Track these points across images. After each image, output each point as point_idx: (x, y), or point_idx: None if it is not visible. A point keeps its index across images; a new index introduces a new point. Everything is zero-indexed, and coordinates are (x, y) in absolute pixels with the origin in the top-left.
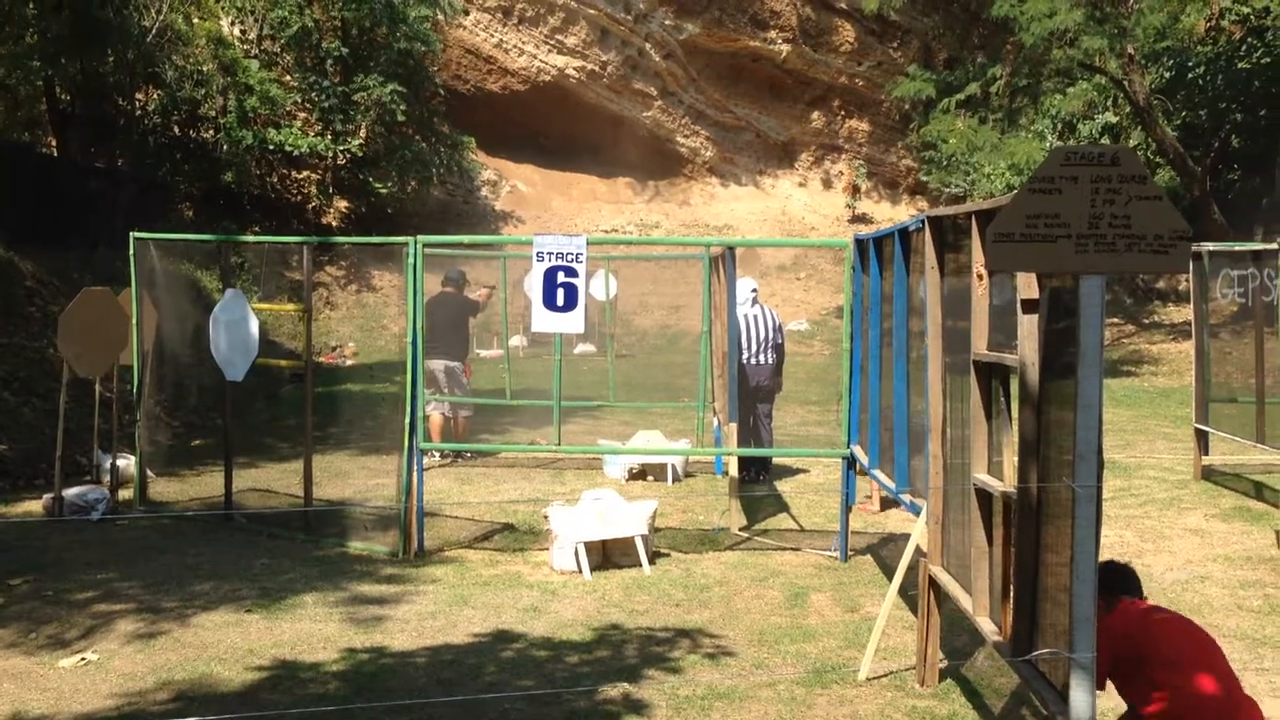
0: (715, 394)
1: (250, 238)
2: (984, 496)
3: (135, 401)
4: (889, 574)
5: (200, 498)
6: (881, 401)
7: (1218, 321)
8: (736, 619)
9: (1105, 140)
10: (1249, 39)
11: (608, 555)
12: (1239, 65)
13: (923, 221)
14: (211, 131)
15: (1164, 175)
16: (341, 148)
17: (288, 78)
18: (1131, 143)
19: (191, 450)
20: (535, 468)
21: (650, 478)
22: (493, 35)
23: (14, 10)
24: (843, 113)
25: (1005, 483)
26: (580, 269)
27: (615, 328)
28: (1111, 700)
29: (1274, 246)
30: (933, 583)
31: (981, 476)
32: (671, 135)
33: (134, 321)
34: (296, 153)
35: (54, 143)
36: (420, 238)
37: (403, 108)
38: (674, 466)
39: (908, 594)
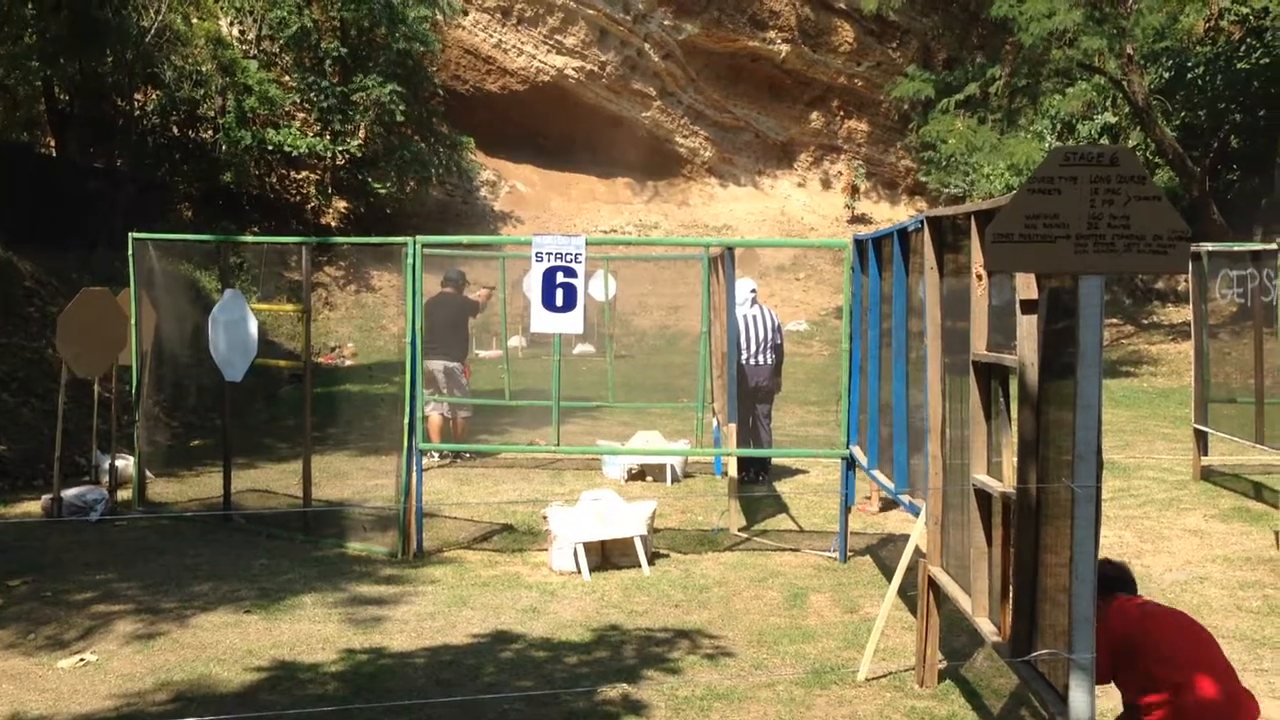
0: (714, 394)
1: (249, 238)
2: (983, 497)
3: (134, 402)
4: (888, 575)
5: (199, 498)
6: (880, 402)
7: (1217, 322)
8: (735, 620)
9: (1104, 140)
10: (1248, 39)
11: (607, 556)
12: (1238, 66)
13: (922, 222)
14: (210, 132)
15: (1163, 175)
16: (340, 148)
17: (287, 78)
18: (1130, 143)
19: (190, 451)
20: (534, 468)
21: (649, 478)
22: (492, 35)
23: (13, 10)
24: (842, 113)
25: (1004, 483)
26: (579, 269)
27: (614, 328)
28: (1111, 700)
29: (1273, 247)
30: (932, 583)
31: (981, 477)
32: (670, 135)
33: (133, 322)
34: (295, 153)
35: (53, 143)
36: (419, 238)
37: (402, 108)
38: (673, 467)
39: (907, 595)
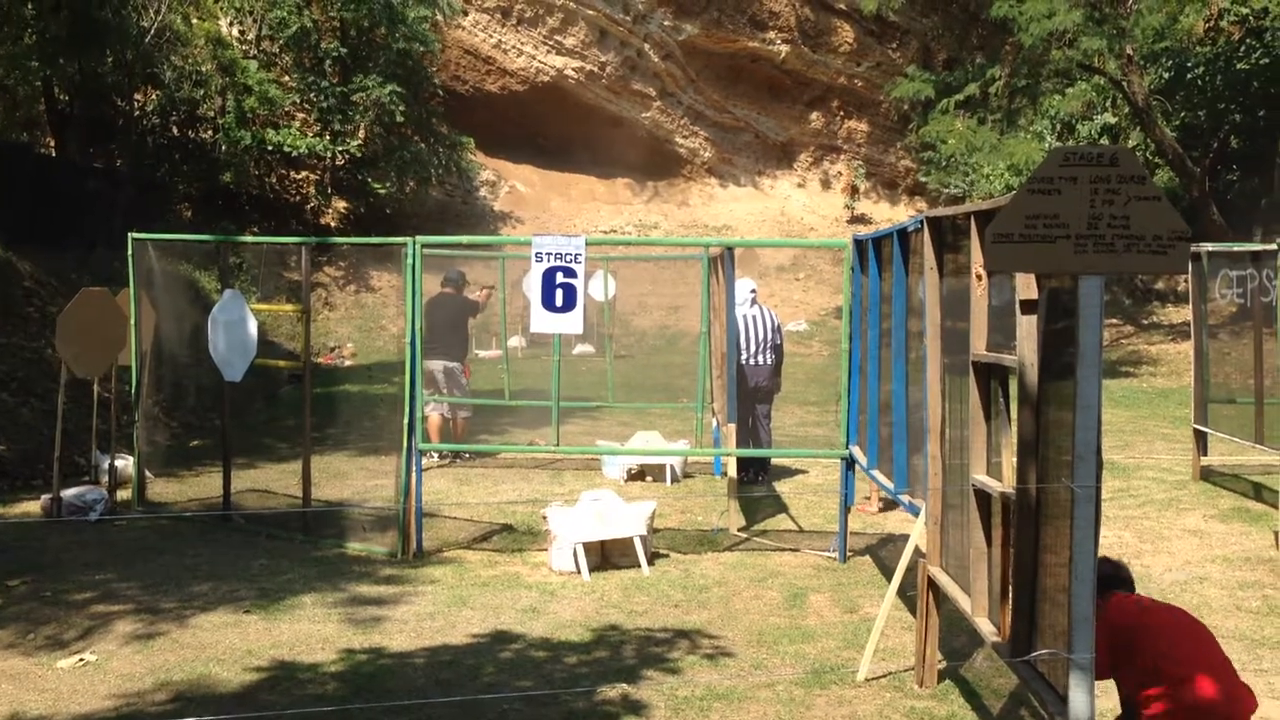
0: (714, 395)
1: (249, 238)
2: (983, 497)
3: (133, 402)
4: (888, 575)
5: (198, 498)
6: (880, 402)
7: (1216, 322)
8: (735, 620)
9: (1104, 141)
10: (1248, 40)
11: (606, 556)
12: (1238, 66)
13: (921, 222)
14: (210, 132)
15: (1163, 176)
16: (340, 148)
17: (286, 78)
18: (1130, 143)
19: (190, 451)
20: (534, 468)
21: (649, 478)
22: (491, 36)
23: (12, 10)
24: (841, 113)
25: (1004, 483)
26: (579, 269)
27: (614, 328)
28: (1110, 700)
29: (1273, 247)
30: (931, 583)
31: (980, 477)
32: (670, 136)
33: (132, 322)
34: (295, 153)
35: (52, 143)
36: (419, 238)
37: (401, 108)
38: (673, 467)
39: (907, 595)
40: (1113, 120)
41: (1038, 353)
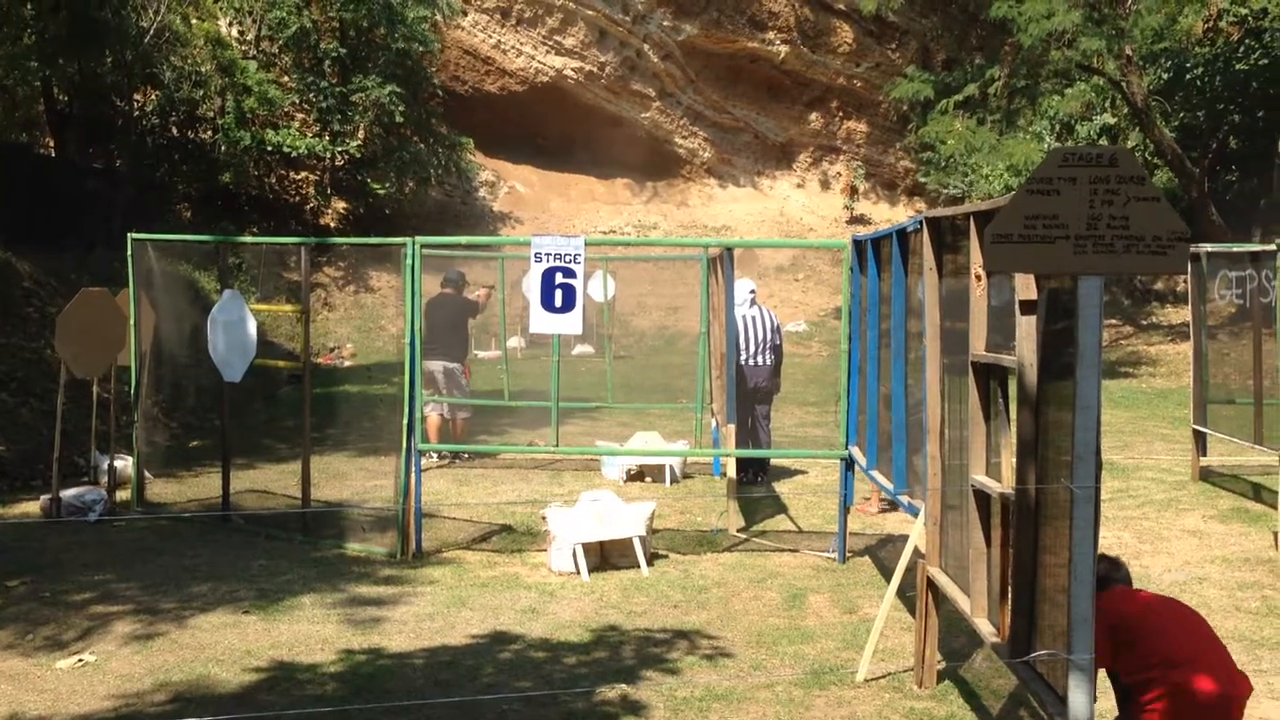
0: (713, 395)
1: (248, 238)
2: (982, 498)
3: (133, 402)
4: (887, 575)
5: (198, 499)
6: (879, 403)
7: (1215, 323)
8: (734, 620)
9: (1103, 141)
10: (1247, 40)
11: (606, 556)
12: (1237, 66)
13: (921, 222)
14: (209, 132)
15: (1162, 176)
16: (339, 149)
17: (286, 79)
18: (1129, 144)
19: (189, 451)
20: (533, 469)
21: (648, 479)
22: (491, 36)
23: (12, 11)
24: (841, 114)
25: (1003, 484)
26: (578, 270)
27: (613, 329)
28: (1109, 701)
29: (1272, 248)
30: (931, 584)
31: (980, 478)
32: (670, 136)
33: (132, 322)
34: (294, 154)
35: (51, 143)
36: (418, 239)
37: (401, 109)
38: (672, 468)
39: (906, 595)
40: (1112, 121)
41: (1037, 353)
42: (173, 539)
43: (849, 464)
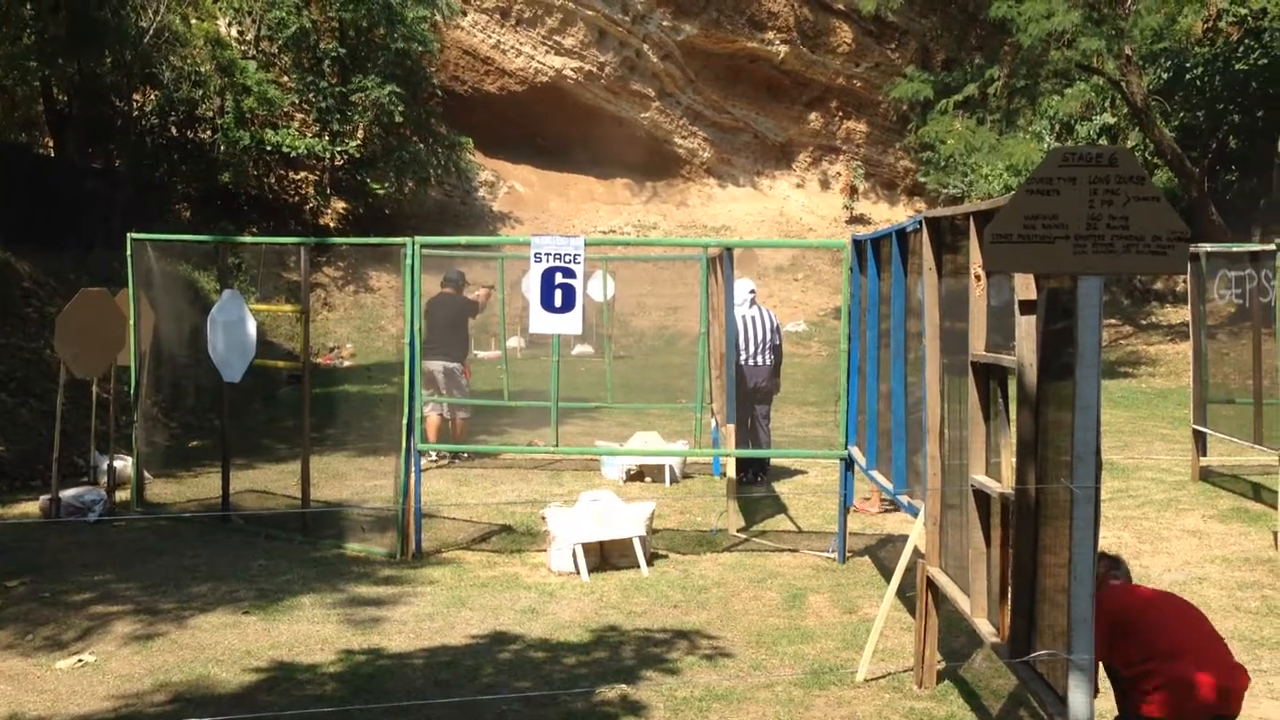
0: (713, 395)
1: (248, 238)
2: (982, 498)
3: (132, 403)
4: (887, 575)
5: (197, 499)
6: (879, 403)
7: (1215, 323)
8: (734, 620)
9: (1103, 141)
10: (1246, 40)
11: (605, 556)
12: (1236, 66)
13: (920, 222)
14: (209, 132)
15: (1162, 176)
16: (339, 149)
17: (285, 78)
18: (1129, 144)
19: (189, 451)
20: (533, 469)
21: (648, 479)
22: (490, 36)
23: (11, 11)
24: (840, 114)
25: (1003, 484)
26: (578, 270)
27: (613, 329)
28: (1109, 701)
29: (1271, 248)
30: (931, 584)
31: (979, 478)
32: (669, 136)
33: (131, 322)
34: (294, 153)
35: (51, 143)
36: (418, 239)
37: (400, 108)
38: (672, 468)
39: (906, 595)
40: (1111, 121)
41: (1037, 353)
42: (172, 539)
43: (849, 464)
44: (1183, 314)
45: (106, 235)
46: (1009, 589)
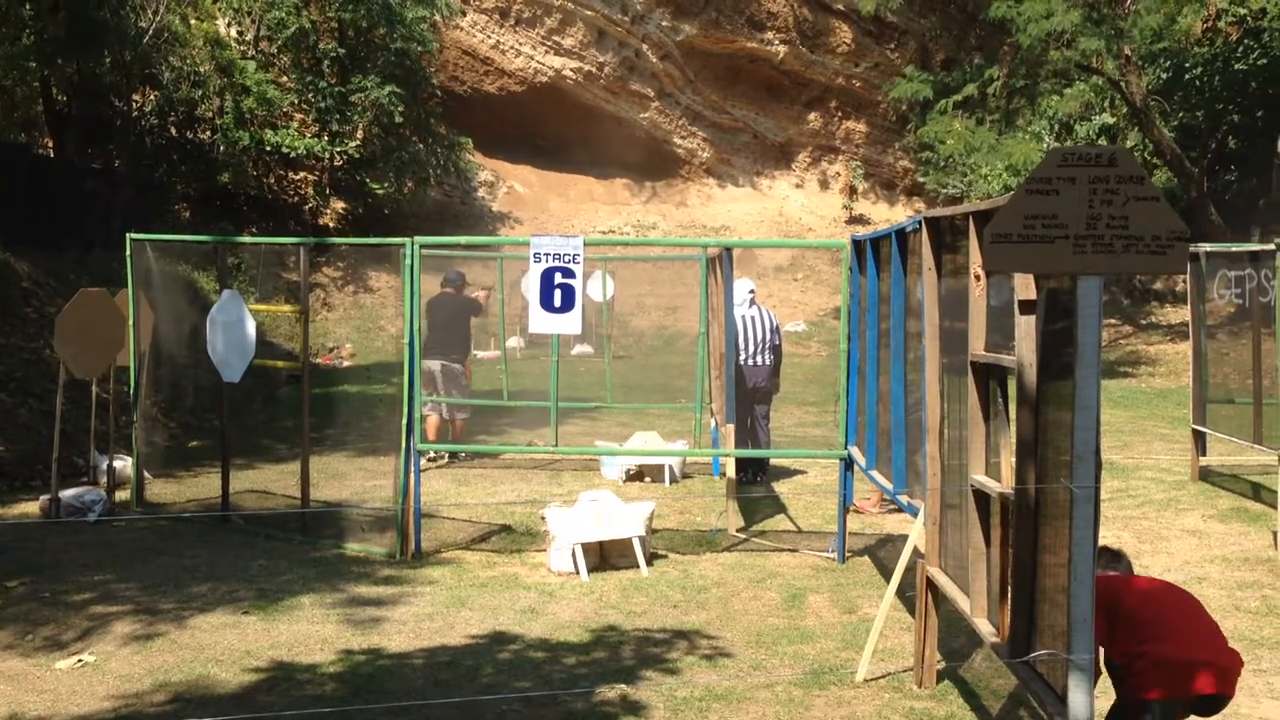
0: (713, 395)
1: (247, 239)
2: (982, 498)
3: (132, 403)
4: (887, 575)
5: (197, 499)
6: (878, 403)
7: (1215, 322)
8: (734, 620)
9: (1102, 141)
10: (1246, 40)
11: (605, 556)
12: (1236, 66)
13: (920, 222)
14: (208, 132)
15: (1161, 176)
16: (338, 149)
17: (285, 79)
18: (1129, 144)
19: (188, 451)
20: (532, 469)
21: (648, 479)
22: (490, 36)
23: (10, 11)
24: (840, 114)
25: (1003, 484)
26: (577, 270)
27: (612, 329)
28: (1109, 700)
29: (1271, 247)
30: (930, 584)
31: (979, 477)
32: (669, 136)
33: (131, 322)
34: (293, 154)
35: (50, 143)
36: (417, 239)
37: (400, 109)
38: (671, 468)
39: (905, 595)
40: (1111, 121)
41: (1036, 353)
42: (172, 539)
43: (848, 464)
44: (1182, 314)
45: (106, 235)
46: (1009, 589)
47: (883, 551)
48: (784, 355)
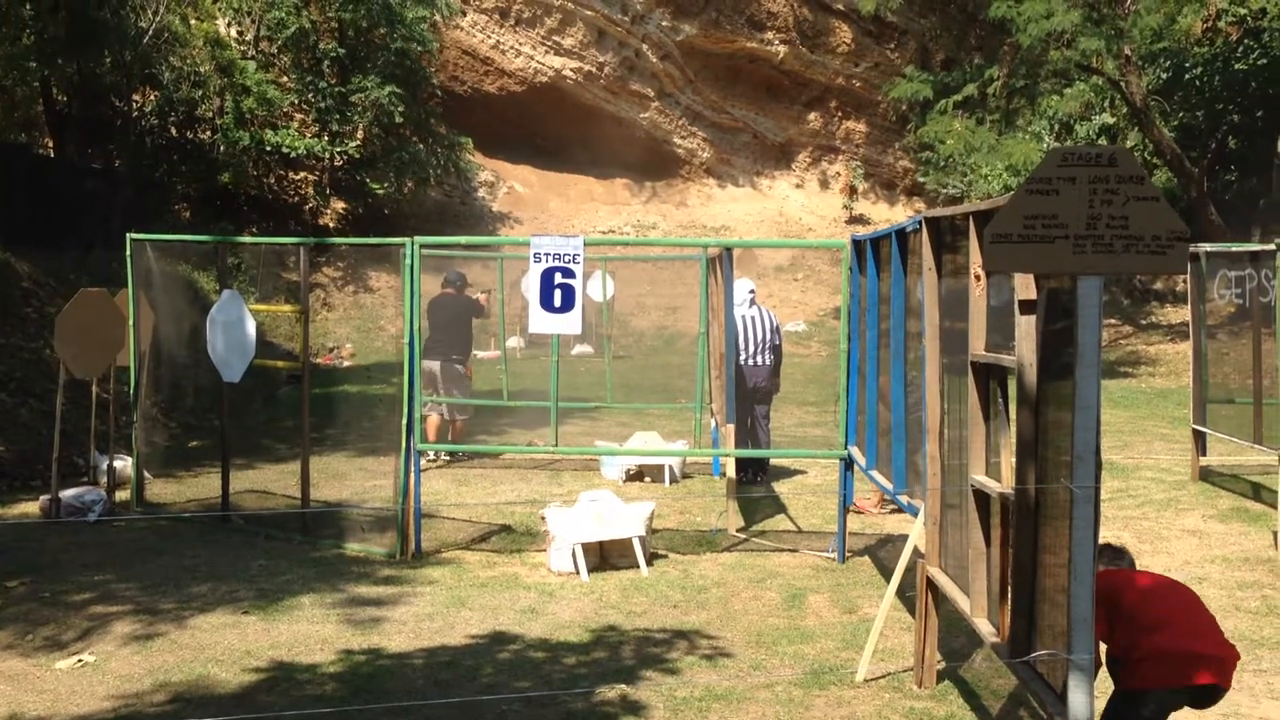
0: (713, 395)
1: (247, 239)
2: (982, 498)
3: (132, 403)
4: (887, 575)
5: (197, 499)
6: (878, 403)
7: (1215, 322)
8: (734, 620)
9: (1102, 141)
10: (1246, 40)
11: (605, 556)
12: (1236, 66)
13: (920, 222)
14: (208, 132)
15: (1161, 176)
16: (338, 149)
17: (285, 79)
18: (1129, 144)
19: (188, 451)
20: (532, 469)
21: (648, 479)
22: (490, 36)
23: (11, 11)
24: (840, 114)
25: (1003, 484)
26: (577, 270)
27: (612, 329)
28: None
29: (1271, 247)
30: (930, 584)
31: (979, 477)
32: (669, 136)
33: (131, 322)
34: (293, 154)
35: (50, 144)
36: (417, 239)
37: (400, 109)
38: (671, 468)
39: (906, 595)
40: (1111, 121)
41: (1036, 353)
42: (172, 539)
43: (848, 464)
44: (1183, 314)
45: (106, 235)
46: (1009, 589)
47: (883, 551)
48: (784, 355)
